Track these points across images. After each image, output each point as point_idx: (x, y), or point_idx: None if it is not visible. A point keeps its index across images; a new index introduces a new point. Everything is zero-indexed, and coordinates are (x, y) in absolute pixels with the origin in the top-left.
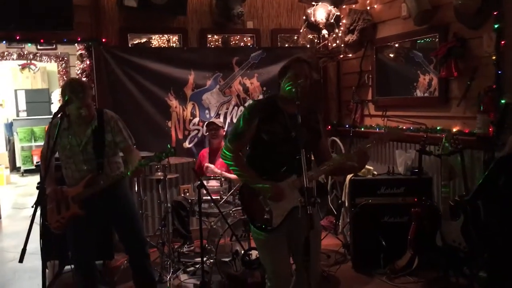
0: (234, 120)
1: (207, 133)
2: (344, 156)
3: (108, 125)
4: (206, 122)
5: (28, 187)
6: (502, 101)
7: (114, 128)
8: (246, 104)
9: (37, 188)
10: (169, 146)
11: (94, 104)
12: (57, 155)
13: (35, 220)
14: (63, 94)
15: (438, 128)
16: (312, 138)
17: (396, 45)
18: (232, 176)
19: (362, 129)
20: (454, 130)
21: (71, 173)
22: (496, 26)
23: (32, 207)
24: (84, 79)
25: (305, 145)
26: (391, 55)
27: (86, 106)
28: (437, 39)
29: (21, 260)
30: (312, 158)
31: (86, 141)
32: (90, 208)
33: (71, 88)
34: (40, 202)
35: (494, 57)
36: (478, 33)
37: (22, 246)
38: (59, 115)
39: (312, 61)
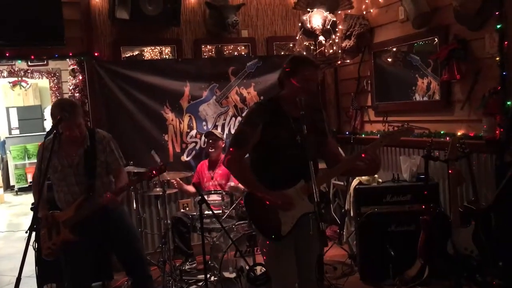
0: (232, 131)
1: (205, 145)
2: (353, 157)
3: (101, 144)
4: (205, 132)
5: (22, 206)
6: (508, 103)
7: (106, 148)
8: (248, 108)
9: (31, 209)
10: (159, 162)
11: (88, 120)
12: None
13: (30, 243)
14: (53, 115)
15: (442, 132)
16: (319, 141)
17: (394, 49)
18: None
19: (363, 135)
20: (459, 134)
21: (63, 196)
22: (498, 26)
23: (26, 232)
24: (76, 94)
25: (313, 152)
26: (389, 60)
27: (77, 126)
28: (436, 42)
29: None
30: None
31: (78, 162)
32: (83, 231)
33: (61, 108)
34: (34, 228)
35: (497, 58)
36: (479, 34)
37: (18, 269)
38: (51, 136)
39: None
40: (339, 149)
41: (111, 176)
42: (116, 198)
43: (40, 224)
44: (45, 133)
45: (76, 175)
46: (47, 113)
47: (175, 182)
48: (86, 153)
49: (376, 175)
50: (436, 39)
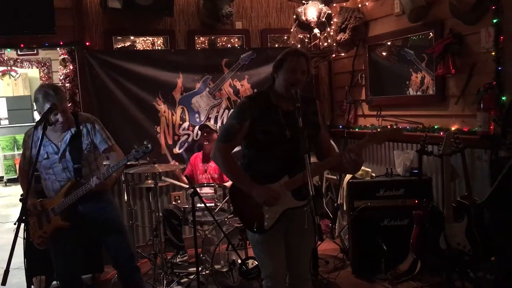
0: None
1: (198, 138)
2: (338, 156)
3: (85, 127)
4: (200, 125)
5: (11, 198)
6: (503, 98)
7: (91, 130)
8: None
9: (20, 200)
10: (145, 142)
11: (79, 111)
12: None
13: (18, 234)
14: (36, 101)
15: (436, 127)
16: (311, 134)
17: (389, 43)
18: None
19: (357, 129)
20: (453, 128)
21: (50, 184)
22: (494, 21)
23: (15, 224)
24: (67, 84)
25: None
26: (384, 54)
27: (62, 111)
28: (431, 36)
29: (3, 282)
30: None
31: (64, 148)
32: (73, 218)
33: (44, 94)
34: (22, 219)
35: (493, 53)
36: (475, 29)
37: (6, 262)
38: (41, 125)
39: (309, 54)
40: (332, 142)
41: (98, 161)
42: (104, 181)
43: (29, 214)
44: (35, 123)
45: (63, 162)
46: None
47: (177, 170)
48: (72, 139)
49: (369, 169)
50: (431, 33)
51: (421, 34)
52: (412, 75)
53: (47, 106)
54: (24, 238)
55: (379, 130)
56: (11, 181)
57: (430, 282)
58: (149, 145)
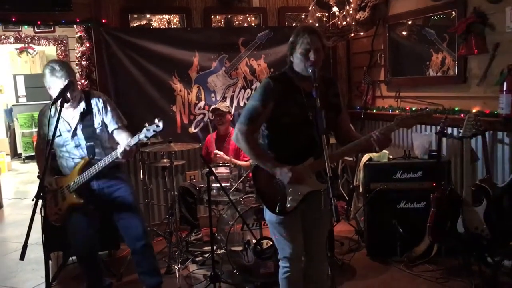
0: (241, 104)
1: (213, 119)
2: (367, 139)
3: (96, 106)
4: (211, 108)
5: (29, 174)
6: None
7: (102, 109)
8: (260, 83)
9: (38, 177)
10: (156, 121)
11: (95, 88)
12: None
13: (37, 211)
14: (44, 76)
15: (456, 109)
16: (332, 116)
17: (409, 22)
18: (242, 163)
19: (374, 111)
20: (474, 110)
21: (65, 161)
22: None
23: (33, 200)
24: (84, 62)
25: (325, 127)
26: (404, 33)
27: None
28: (453, 15)
29: (22, 257)
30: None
31: (75, 126)
32: (87, 195)
33: (50, 69)
34: (40, 195)
35: None
36: (499, 7)
37: (24, 236)
38: (58, 102)
39: (320, 30)
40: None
41: (112, 139)
42: (130, 150)
43: (46, 191)
44: (53, 100)
45: (75, 139)
46: None
47: (218, 156)
48: (82, 116)
49: (386, 151)
50: (454, 12)
51: (443, 13)
52: (432, 56)
53: (53, 80)
54: (41, 215)
55: (407, 114)
56: (29, 158)
57: (446, 265)
58: (160, 124)
